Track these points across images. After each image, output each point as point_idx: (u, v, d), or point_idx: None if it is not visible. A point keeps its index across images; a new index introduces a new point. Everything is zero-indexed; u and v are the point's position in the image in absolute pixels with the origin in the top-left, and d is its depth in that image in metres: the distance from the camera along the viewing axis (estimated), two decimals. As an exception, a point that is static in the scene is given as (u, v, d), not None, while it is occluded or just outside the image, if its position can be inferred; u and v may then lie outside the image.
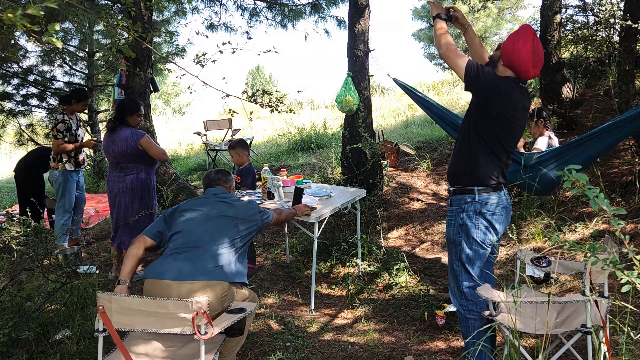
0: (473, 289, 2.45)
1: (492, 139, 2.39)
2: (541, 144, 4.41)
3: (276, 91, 3.91)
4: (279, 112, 3.82)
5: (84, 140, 4.96)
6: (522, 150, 4.51)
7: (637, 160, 4.78)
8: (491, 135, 2.39)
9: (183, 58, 9.64)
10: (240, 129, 9.79)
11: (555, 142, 4.47)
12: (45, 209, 5.46)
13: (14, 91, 8.52)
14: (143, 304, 2.03)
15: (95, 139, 5.12)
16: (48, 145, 5.80)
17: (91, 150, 8.94)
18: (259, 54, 3.84)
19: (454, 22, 2.73)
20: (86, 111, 8.73)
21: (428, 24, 19.20)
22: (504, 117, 2.37)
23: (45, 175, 5.71)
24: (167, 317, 2.02)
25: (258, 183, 4.40)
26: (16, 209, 6.04)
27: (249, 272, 4.40)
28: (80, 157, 4.92)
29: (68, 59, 8.72)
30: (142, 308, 2.03)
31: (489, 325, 2.32)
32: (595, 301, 2.24)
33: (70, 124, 4.78)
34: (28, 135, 8.93)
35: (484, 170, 2.41)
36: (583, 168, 4.32)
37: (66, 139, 4.73)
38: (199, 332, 2.04)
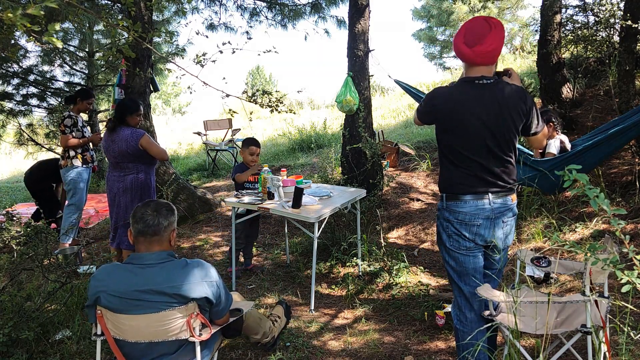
0: (464, 299, 2.39)
1: (448, 149, 2.33)
2: (553, 148, 4.40)
3: (276, 91, 3.91)
4: (279, 112, 3.82)
5: (90, 136, 5.01)
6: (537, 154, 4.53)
7: (637, 160, 4.78)
8: (446, 145, 2.33)
9: (183, 58, 9.65)
10: (240, 129, 9.79)
11: (567, 144, 4.45)
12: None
13: (14, 91, 8.52)
14: (134, 320, 1.97)
15: (99, 134, 5.16)
16: (51, 158, 5.91)
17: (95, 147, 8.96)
18: (259, 54, 3.84)
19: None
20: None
21: (428, 25, 19.20)
22: (449, 126, 2.28)
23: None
24: (160, 327, 1.98)
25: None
26: (16, 208, 6.07)
27: (248, 269, 4.42)
28: (88, 155, 4.97)
29: (68, 59, 8.72)
30: (132, 323, 1.98)
31: (488, 325, 2.32)
32: (595, 301, 2.24)
33: (76, 120, 4.85)
34: (28, 135, 8.93)
35: (447, 178, 2.35)
36: (589, 171, 4.37)
37: (73, 134, 4.80)
38: (195, 334, 2.03)
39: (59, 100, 8.69)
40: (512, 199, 2.35)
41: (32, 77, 8.60)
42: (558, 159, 4.16)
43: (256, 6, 7.77)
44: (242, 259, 4.49)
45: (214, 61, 3.66)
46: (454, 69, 15.73)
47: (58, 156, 6.16)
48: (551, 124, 4.47)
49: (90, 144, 5.03)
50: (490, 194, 2.27)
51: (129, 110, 3.99)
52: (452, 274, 2.41)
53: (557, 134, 4.49)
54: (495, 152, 2.26)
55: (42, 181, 5.56)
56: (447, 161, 2.35)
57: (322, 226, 3.63)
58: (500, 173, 2.28)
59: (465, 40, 2.21)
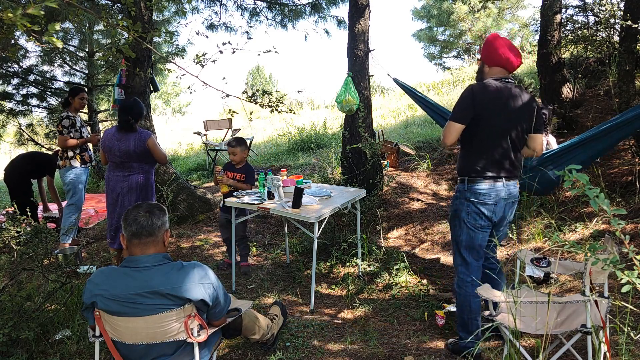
0: (463, 267, 2.83)
1: (477, 137, 2.68)
2: None
3: (276, 91, 3.92)
4: (279, 112, 3.82)
5: (88, 137, 5.00)
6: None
7: (637, 160, 4.78)
8: (475, 134, 2.68)
9: (183, 58, 9.65)
10: (240, 129, 9.80)
11: (553, 144, 4.46)
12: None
13: (14, 91, 8.53)
14: (131, 322, 1.97)
15: (98, 135, 5.16)
16: (41, 151, 5.85)
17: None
18: (259, 54, 3.85)
19: None
20: (86, 111, 8.73)
21: (427, 25, 19.21)
22: (485, 115, 2.63)
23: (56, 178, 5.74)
24: (158, 329, 1.98)
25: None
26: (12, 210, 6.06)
27: (245, 269, 4.42)
28: (87, 155, 4.97)
29: (68, 58, 8.73)
30: (130, 325, 1.98)
31: (488, 325, 2.33)
32: (595, 301, 2.24)
33: (74, 121, 4.85)
34: (28, 135, 8.94)
35: (472, 163, 2.71)
36: (583, 168, 4.35)
37: (71, 135, 4.80)
38: (192, 335, 2.02)
39: (59, 100, 8.69)
40: (517, 183, 2.81)
41: (32, 77, 8.60)
42: (545, 154, 4.13)
43: (256, 6, 7.77)
44: (238, 258, 4.51)
45: (214, 61, 3.66)
46: (453, 69, 15.73)
47: (43, 150, 6.10)
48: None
49: (89, 144, 5.03)
50: (504, 179, 2.70)
51: (143, 111, 4.10)
52: (461, 247, 2.81)
53: (546, 134, 4.50)
54: (515, 142, 2.68)
55: (32, 174, 5.48)
56: (473, 148, 2.70)
57: (322, 226, 3.63)
58: (514, 161, 2.71)
59: (513, 53, 2.71)
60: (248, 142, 9.15)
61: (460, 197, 2.77)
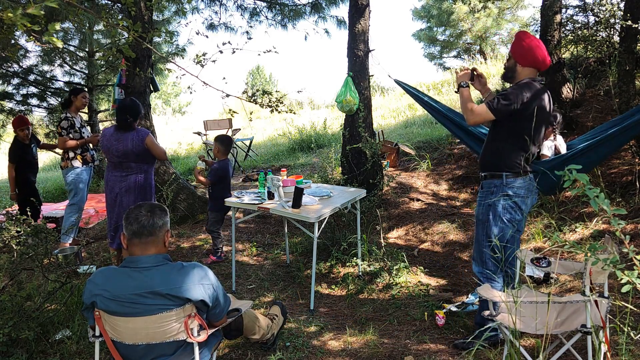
0: (492, 261, 2.90)
1: (520, 134, 2.76)
2: (547, 150, 4.37)
3: (276, 91, 3.91)
4: (279, 112, 3.82)
5: (88, 137, 4.99)
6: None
7: (637, 160, 4.78)
8: (520, 131, 2.76)
9: (183, 58, 9.64)
10: (240, 129, 9.80)
11: (562, 147, 4.40)
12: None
13: (14, 91, 8.53)
14: (130, 322, 1.97)
15: (98, 135, 5.14)
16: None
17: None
18: (259, 54, 3.85)
19: (474, 83, 3.12)
20: (86, 111, 8.73)
21: (430, 25, 19.21)
22: (524, 116, 2.73)
23: (54, 175, 5.71)
24: (157, 329, 1.98)
25: (234, 182, 4.43)
26: (17, 208, 6.05)
27: (211, 264, 4.47)
28: (88, 155, 4.95)
29: (68, 58, 8.72)
30: (129, 326, 1.98)
31: (489, 325, 2.33)
32: (595, 301, 2.24)
33: (73, 121, 4.84)
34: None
35: (511, 159, 2.80)
36: (587, 171, 4.33)
37: (70, 136, 4.80)
38: (192, 335, 2.02)
39: (59, 100, 8.69)
40: None
41: (32, 77, 8.60)
42: (559, 158, 4.14)
43: (256, 6, 7.77)
44: (226, 248, 4.63)
45: (214, 61, 3.66)
46: (453, 69, 15.71)
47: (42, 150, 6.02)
48: (550, 126, 4.43)
49: (90, 144, 5.02)
50: (529, 172, 2.86)
51: (141, 110, 4.11)
52: (491, 236, 2.84)
53: (554, 136, 4.45)
54: (541, 138, 2.87)
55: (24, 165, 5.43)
56: (513, 145, 2.80)
57: (322, 226, 3.63)
58: (534, 155, 2.89)
59: (545, 51, 2.82)
60: (248, 141, 9.18)
61: (496, 192, 2.83)
